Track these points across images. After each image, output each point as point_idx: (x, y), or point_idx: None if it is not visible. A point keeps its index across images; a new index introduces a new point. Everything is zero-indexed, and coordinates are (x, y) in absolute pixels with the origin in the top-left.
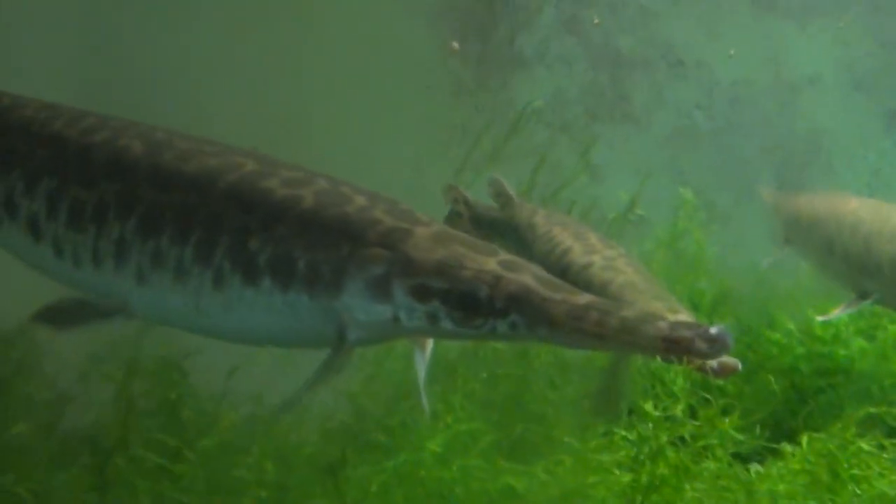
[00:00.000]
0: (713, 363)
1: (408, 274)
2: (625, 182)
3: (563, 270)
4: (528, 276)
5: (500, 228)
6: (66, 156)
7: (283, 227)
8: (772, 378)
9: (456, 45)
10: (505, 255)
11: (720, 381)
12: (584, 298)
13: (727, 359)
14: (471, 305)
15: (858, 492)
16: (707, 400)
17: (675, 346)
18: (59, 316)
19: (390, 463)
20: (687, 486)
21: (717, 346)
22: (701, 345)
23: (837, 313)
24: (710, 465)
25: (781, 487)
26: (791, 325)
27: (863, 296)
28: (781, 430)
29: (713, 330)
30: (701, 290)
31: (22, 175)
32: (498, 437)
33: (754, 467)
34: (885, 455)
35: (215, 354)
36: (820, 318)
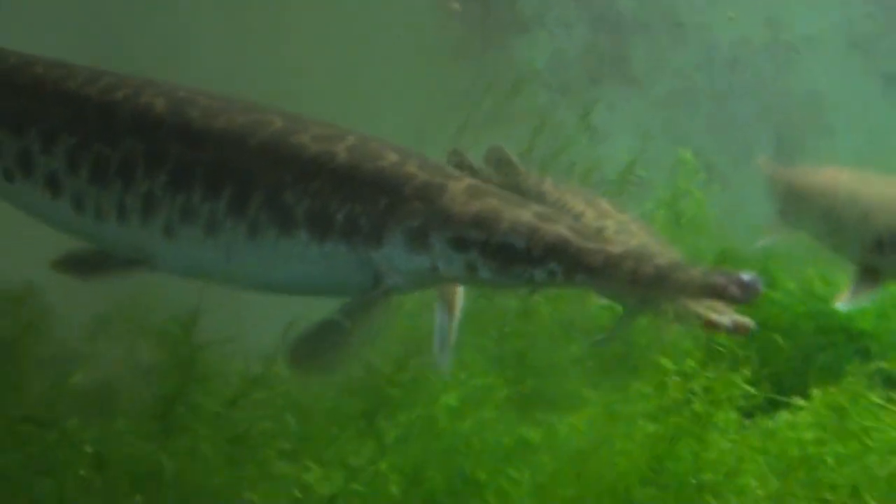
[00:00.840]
0: (727, 322)
1: (446, 226)
2: (625, 143)
3: None
4: (563, 227)
5: None
6: (87, 114)
7: (320, 182)
8: (778, 336)
9: (457, 5)
10: (538, 207)
11: (724, 341)
12: (619, 247)
13: (740, 318)
14: (509, 255)
15: (870, 443)
16: (717, 354)
17: (708, 292)
18: (79, 264)
19: (405, 416)
20: (708, 436)
21: (749, 292)
22: (734, 290)
23: (850, 297)
24: (726, 415)
25: (792, 434)
26: (791, 285)
27: (869, 273)
28: (784, 387)
29: (745, 276)
30: (702, 249)
31: (39, 133)
32: (511, 391)
33: (772, 418)
34: (893, 407)
35: (222, 314)
36: (840, 306)
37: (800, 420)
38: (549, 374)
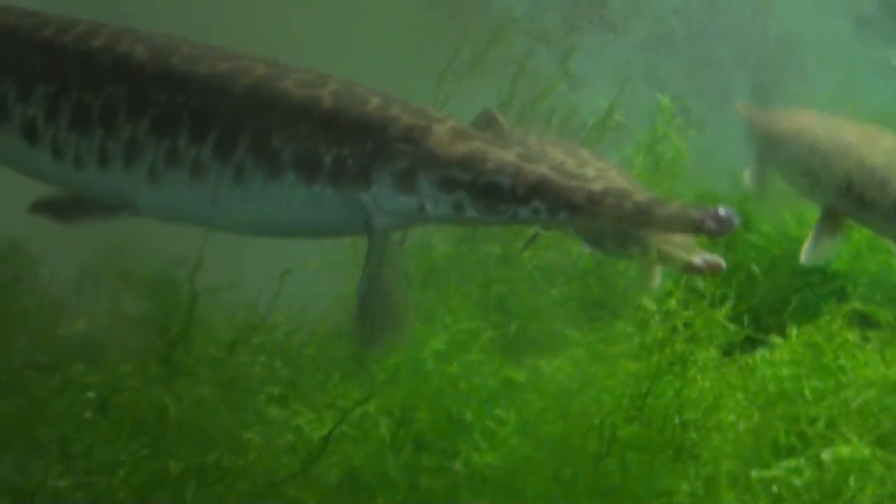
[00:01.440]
0: (699, 261)
1: (433, 167)
2: (603, 89)
3: None
4: (545, 167)
5: None
6: (65, 61)
7: (307, 125)
8: (756, 269)
9: None
10: (520, 149)
11: (703, 282)
12: (599, 184)
13: (712, 256)
14: (495, 194)
15: (844, 379)
16: (699, 292)
17: (686, 226)
18: (59, 209)
19: (392, 360)
20: (689, 374)
21: (725, 224)
22: (711, 224)
23: (813, 247)
24: (706, 353)
25: (770, 371)
26: (768, 227)
27: (830, 218)
28: (762, 326)
29: (721, 211)
30: (680, 193)
31: (13, 82)
32: (495, 335)
33: (752, 355)
34: (869, 347)
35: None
36: (804, 259)
37: (778, 357)
38: (532, 318)
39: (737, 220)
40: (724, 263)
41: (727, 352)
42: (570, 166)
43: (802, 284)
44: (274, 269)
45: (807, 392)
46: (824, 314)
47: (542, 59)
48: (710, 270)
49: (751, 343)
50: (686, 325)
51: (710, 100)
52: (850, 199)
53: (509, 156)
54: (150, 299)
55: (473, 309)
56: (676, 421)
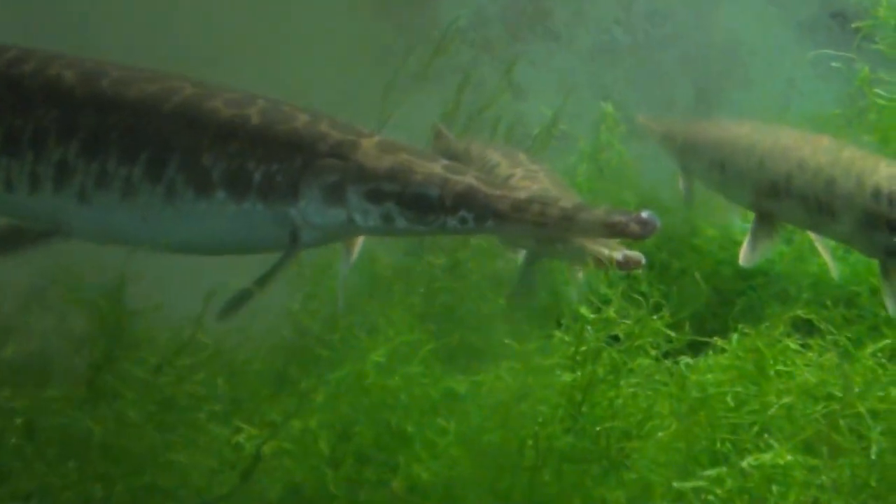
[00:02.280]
0: (619, 256)
1: (362, 180)
2: (548, 98)
3: None
4: (471, 178)
5: None
6: None
7: (236, 143)
8: (698, 275)
9: None
10: (446, 162)
11: (644, 289)
12: (524, 193)
13: (631, 252)
14: (423, 204)
15: (781, 386)
16: (638, 300)
17: (610, 230)
18: None
19: (335, 374)
20: (623, 383)
21: (648, 227)
22: (635, 227)
23: (750, 249)
24: (644, 361)
25: (710, 377)
26: (712, 232)
27: (764, 220)
28: (706, 331)
29: (644, 214)
30: (625, 200)
31: None
32: (438, 346)
33: (684, 360)
34: (809, 354)
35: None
36: (742, 261)
37: (715, 363)
38: (475, 328)
39: (659, 223)
40: (643, 259)
41: (672, 354)
42: (504, 166)
43: (746, 287)
44: (224, 282)
45: (744, 399)
46: (767, 318)
47: (486, 69)
48: (630, 265)
49: (694, 348)
50: (626, 335)
51: (653, 108)
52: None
53: (436, 167)
54: (93, 318)
55: (416, 320)
56: (609, 430)
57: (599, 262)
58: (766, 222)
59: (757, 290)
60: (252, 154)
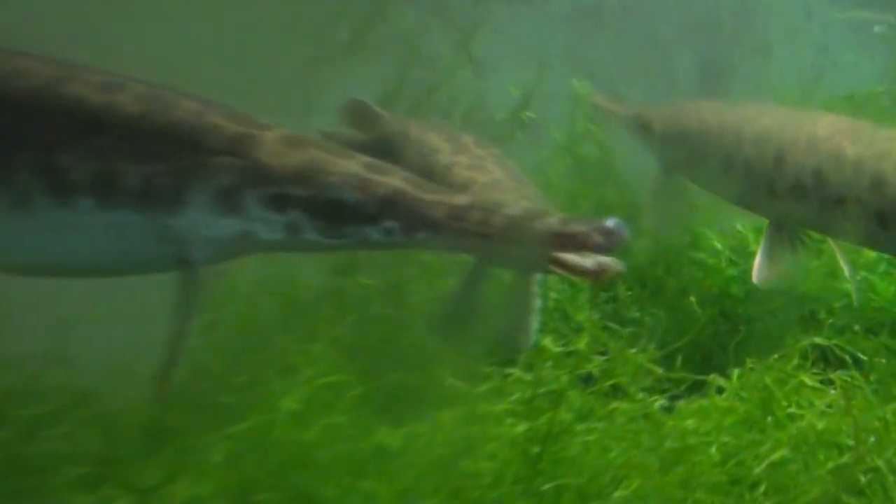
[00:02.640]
0: (590, 264)
1: (262, 183)
2: (515, 75)
3: (428, 172)
4: (397, 178)
5: (373, 149)
6: None
7: (105, 138)
8: (693, 301)
9: None
10: (366, 158)
11: (633, 314)
12: (463, 198)
13: (606, 259)
14: (338, 213)
15: (794, 431)
16: (617, 330)
17: (568, 242)
18: None
19: (238, 427)
20: (593, 430)
21: (614, 238)
22: (598, 238)
23: (764, 265)
24: (623, 405)
25: (690, 422)
26: (718, 243)
27: (779, 229)
28: (710, 366)
29: (609, 223)
30: (608, 202)
31: None
32: (369, 389)
33: (662, 402)
34: (832, 391)
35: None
36: (756, 280)
37: (713, 404)
38: (417, 366)
39: (627, 233)
40: (620, 267)
41: (669, 399)
42: (445, 153)
43: (762, 312)
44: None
45: (732, 450)
46: (785, 348)
47: (438, 39)
48: (605, 275)
49: (697, 387)
50: (603, 372)
51: (645, 86)
52: (817, 204)
53: (354, 166)
54: None
55: (343, 357)
56: (572, 491)
57: (564, 270)
58: (784, 231)
59: (776, 315)
60: (126, 151)
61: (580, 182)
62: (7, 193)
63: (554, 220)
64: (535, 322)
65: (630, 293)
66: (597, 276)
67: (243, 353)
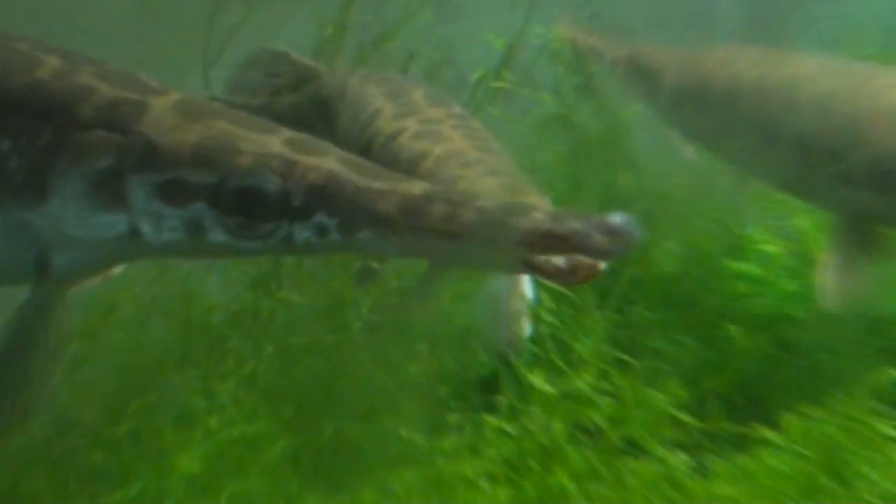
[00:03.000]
0: (560, 263)
1: (150, 166)
2: (493, 20)
3: (367, 145)
4: (332, 160)
5: (306, 117)
6: None
7: None
8: (732, 329)
9: None
10: (290, 132)
11: (655, 342)
12: (420, 187)
13: (581, 258)
14: (254, 205)
15: (867, 497)
16: (631, 364)
17: (561, 244)
18: None
19: (116, 495)
20: (598, 498)
21: (622, 240)
22: (600, 239)
23: (834, 274)
24: (638, 465)
25: (728, 489)
26: (771, 247)
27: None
28: (756, 413)
29: (616, 218)
30: (617, 189)
31: None
32: (295, 444)
33: (710, 464)
34: None
35: None
36: (821, 296)
37: (760, 463)
38: (361, 411)
39: (640, 233)
40: (600, 266)
41: (697, 454)
42: (387, 114)
43: (828, 339)
44: None
45: None
46: (858, 388)
47: None
48: (578, 277)
49: (731, 441)
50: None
51: (665, 32)
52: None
53: (275, 143)
54: None
55: (261, 400)
56: None
57: (535, 271)
58: (857, 231)
59: (847, 345)
60: None
61: (583, 162)
62: None
63: (542, 216)
64: (524, 320)
65: (650, 315)
66: (569, 278)
67: (124, 396)
